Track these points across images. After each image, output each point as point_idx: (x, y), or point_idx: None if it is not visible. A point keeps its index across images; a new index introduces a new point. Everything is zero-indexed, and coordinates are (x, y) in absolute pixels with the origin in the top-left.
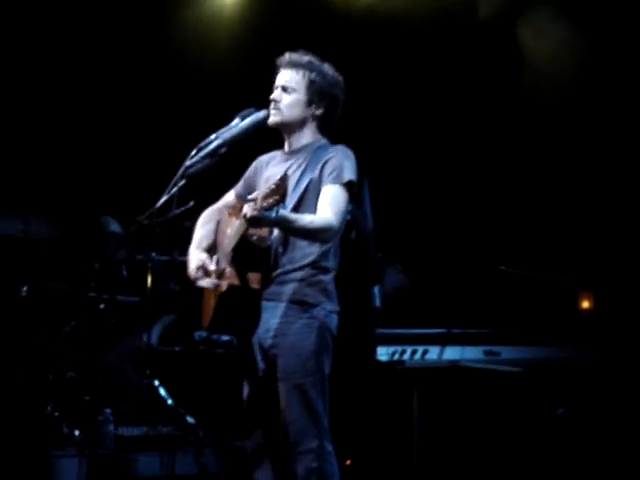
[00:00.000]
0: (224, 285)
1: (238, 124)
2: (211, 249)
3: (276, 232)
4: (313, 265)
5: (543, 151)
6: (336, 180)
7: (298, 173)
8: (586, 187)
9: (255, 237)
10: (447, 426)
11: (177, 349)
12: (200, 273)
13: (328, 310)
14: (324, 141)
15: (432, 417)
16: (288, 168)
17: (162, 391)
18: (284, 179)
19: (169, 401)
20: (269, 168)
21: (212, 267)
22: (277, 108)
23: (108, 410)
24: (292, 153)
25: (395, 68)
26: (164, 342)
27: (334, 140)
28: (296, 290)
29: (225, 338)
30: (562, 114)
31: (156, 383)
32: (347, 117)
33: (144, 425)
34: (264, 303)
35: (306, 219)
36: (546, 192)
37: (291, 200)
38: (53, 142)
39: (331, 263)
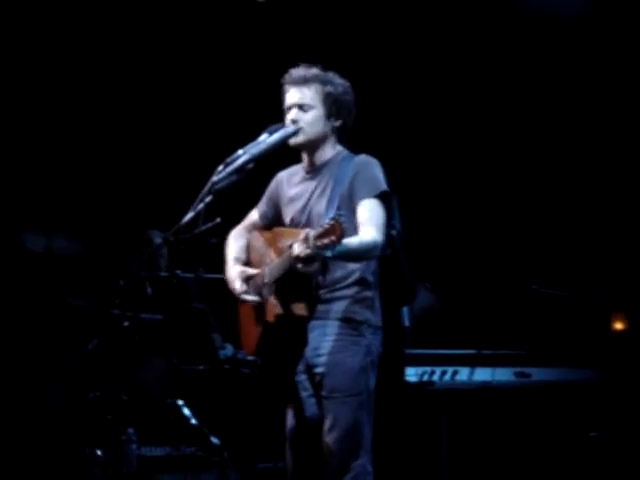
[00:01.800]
0: (270, 316)
1: (266, 139)
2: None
3: None
4: (358, 282)
5: (576, 172)
6: (370, 193)
7: (328, 191)
8: (621, 208)
9: (301, 266)
10: (476, 448)
11: (201, 368)
12: (244, 287)
13: (374, 327)
14: (345, 152)
15: (461, 439)
16: (315, 187)
17: (186, 411)
18: (339, 220)
19: (193, 421)
20: (292, 187)
21: (253, 271)
22: (299, 128)
23: (131, 430)
24: (315, 170)
25: (427, 85)
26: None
27: (357, 150)
28: (344, 308)
29: (250, 358)
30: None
31: (180, 403)
32: (376, 132)
33: (168, 445)
34: (311, 322)
35: (354, 243)
36: (581, 212)
37: (327, 219)
38: (78, 158)
39: (374, 278)
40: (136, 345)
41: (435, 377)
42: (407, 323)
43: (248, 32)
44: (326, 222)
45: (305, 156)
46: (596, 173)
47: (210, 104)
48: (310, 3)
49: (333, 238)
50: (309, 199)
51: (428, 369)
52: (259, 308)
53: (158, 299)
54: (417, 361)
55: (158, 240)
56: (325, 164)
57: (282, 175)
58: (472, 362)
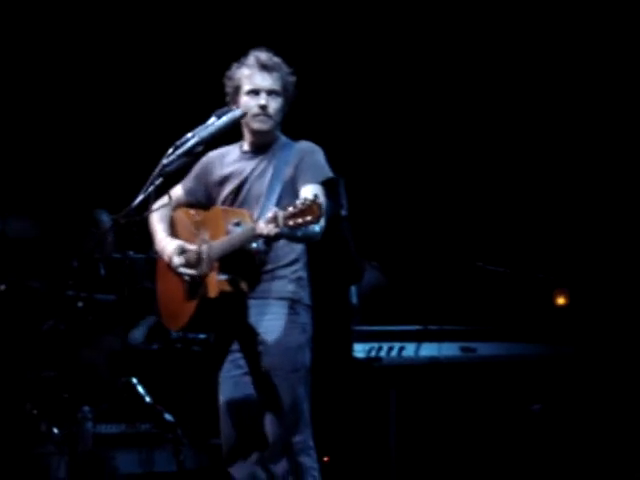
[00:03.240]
0: (213, 291)
1: (214, 122)
2: None
3: None
4: (294, 262)
5: (519, 146)
6: (315, 179)
7: (269, 173)
8: (562, 184)
9: (253, 245)
10: (424, 423)
11: (154, 347)
12: (182, 259)
13: (307, 305)
14: (284, 137)
15: (409, 414)
16: (254, 168)
17: (140, 389)
18: (317, 201)
19: (147, 399)
20: (225, 166)
21: (192, 247)
22: (267, 115)
23: (87, 408)
24: (254, 152)
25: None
26: (149, 342)
27: (302, 134)
28: (282, 287)
29: (202, 336)
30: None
31: (134, 381)
32: (321, 113)
33: (123, 423)
34: (250, 301)
35: None
36: (522, 188)
37: (268, 201)
38: (32, 140)
39: (305, 258)
40: (90, 325)
41: (382, 353)
42: (355, 301)
43: (192, 14)
44: (300, 202)
45: (251, 137)
46: (537, 150)
47: (159, 87)
48: None
49: (309, 218)
50: (246, 179)
51: (375, 345)
52: (192, 284)
53: (111, 280)
54: (364, 337)
55: (105, 220)
56: (266, 146)
57: (213, 155)
58: (418, 338)
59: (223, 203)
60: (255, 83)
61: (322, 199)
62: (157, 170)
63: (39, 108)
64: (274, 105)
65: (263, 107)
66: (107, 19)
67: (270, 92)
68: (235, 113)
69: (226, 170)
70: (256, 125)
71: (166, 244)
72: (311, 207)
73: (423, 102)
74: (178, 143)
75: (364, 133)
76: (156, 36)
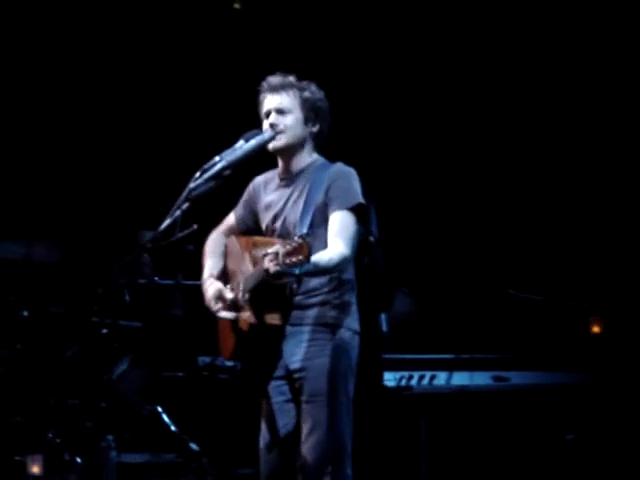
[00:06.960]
0: (244, 325)
1: (242, 146)
2: (222, 275)
3: None
4: (336, 287)
5: (552, 176)
6: (343, 205)
7: (303, 199)
8: (597, 212)
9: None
10: (455, 453)
11: (180, 375)
12: (219, 304)
13: (352, 331)
14: (321, 160)
15: (440, 443)
16: (290, 195)
17: (165, 417)
18: (305, 240)
19: (172, 428)
20: (268, 193)
21: (229, 295)
22: (278, 132)
23: (110, 437)
24: (290, 178)
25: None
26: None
27: (332, 158)
28: (321, 313)
29: (229, 363)
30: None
31: (159, 409)
32: (352, 138)
33: (147, 452)
34: (288, 328)
35: (324, 259)
36: (557, 216)
37: (301, 229)
38: (57, 165)
39: (353, 282)
40: (115, 352)
41: (413, 382)
42: (385, 328)
43: (225, 39)
44: (294, 240)
45: (281, 162)
46: (573, 177)
47: (186, 111)
48: (286, 10)
49: (300, 257)
50: (283, 207)
51: (406, 374)
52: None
53: (137, 306)
54: (395, 366)
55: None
56: (301, 171)
57: (259, 180)
58: (450, 366)
59: (266, 231)
60: (265, 105)
61: (349, 225)
62: (184, 194)
63: (65, 133)
64: (285, 122)
65: (272, 125)
66: (139, 45)
67: (279, 110)
68: (264, 136)
69: (268, 198)
70: (270, 145)
71: (207, 287)
72: (301, 246)
73: (454, 125)
74: (205, 167)
75: (397, 156)
76: (188, 60)
